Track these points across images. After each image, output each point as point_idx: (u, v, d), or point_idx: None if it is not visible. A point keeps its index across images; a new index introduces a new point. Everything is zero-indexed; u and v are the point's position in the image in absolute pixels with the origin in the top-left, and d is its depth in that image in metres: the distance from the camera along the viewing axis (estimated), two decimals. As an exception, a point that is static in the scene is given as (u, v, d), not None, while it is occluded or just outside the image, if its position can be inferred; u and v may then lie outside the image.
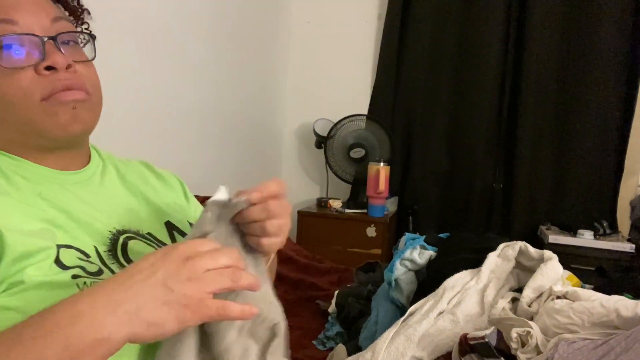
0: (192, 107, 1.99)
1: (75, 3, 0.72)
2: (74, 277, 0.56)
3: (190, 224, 0.78)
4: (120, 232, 0.67)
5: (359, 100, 2.78)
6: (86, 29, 0.72)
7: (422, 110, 2.71)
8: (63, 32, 0.64)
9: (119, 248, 0.64)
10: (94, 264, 0.60)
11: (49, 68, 0.61)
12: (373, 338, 1.03)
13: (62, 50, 0.62)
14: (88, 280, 0.57)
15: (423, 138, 2.71)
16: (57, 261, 0.56)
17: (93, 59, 0.69)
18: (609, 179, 2.49)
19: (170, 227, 0.76)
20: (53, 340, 0.45)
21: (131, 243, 0.66)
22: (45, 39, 0.61)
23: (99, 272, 0.60)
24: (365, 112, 2.72)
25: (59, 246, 0.58)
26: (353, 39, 2.84)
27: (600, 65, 2.44)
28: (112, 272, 0.61)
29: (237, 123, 2.41)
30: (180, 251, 0.51)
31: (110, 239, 0.65)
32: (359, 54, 2.84)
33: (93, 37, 0.70)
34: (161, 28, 1.73)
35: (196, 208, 0.86)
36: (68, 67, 0.62)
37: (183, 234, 0.76)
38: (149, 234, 0.71)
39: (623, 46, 2.41)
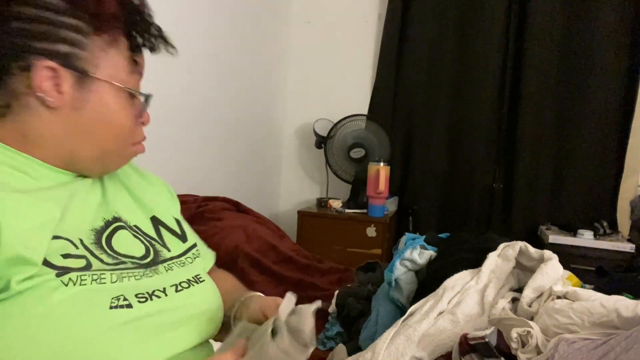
0: (192, 107, 1.99)
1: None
2: (59, 274, 0.56)
3: (177, 220, 0.81)
4: (112, 221, 0.69)
5: (359, 100, 2.78)
6: None
7: (422, 110, 2.71)
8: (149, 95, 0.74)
9: (104, 238, 0.66)
10: (82, 256, 0.61)
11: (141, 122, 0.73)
12: (373, 338, 1.03)
13: None
14: (74, 276, 0.57)
15: (423, 138, 2.71)
16: (45, 262, 0.56)
17: None
18: (609, 179, 2.49)
19: (155, 221, 0.77)
20: None
21: (119, 233, 0.68)
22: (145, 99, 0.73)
23: (88, 266, 0.60)
24: (365, 112, 2.72)
25: (53, 237, 0.59)
26: (353, 39, 2.85)
27: (600, 65, 2.44)
28: (102, 261, 0.62)
29: (237, 123, 2.41)
30: None
31: (98, 230, 0.66)
32: (359, 54, 2.84)
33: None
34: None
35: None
36: None
37: (169, 228, 0.78)
38: (135, 226, 0.73)
39: (623, 46, 2.42)
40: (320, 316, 1.46)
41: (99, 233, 0.66)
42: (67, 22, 0.61)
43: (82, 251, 0.62)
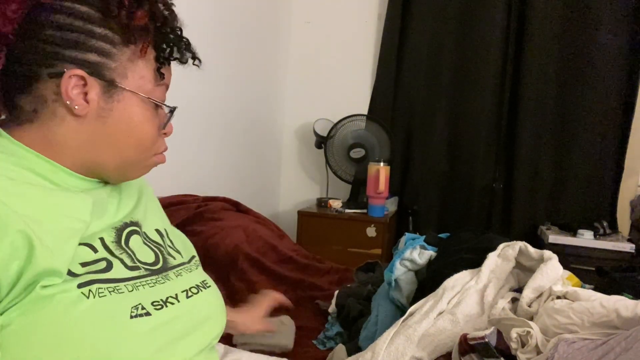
0: (192, 107, 1.99)
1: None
2: (80, 285, 0.56)
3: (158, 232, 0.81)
4: (128, 224, 0.70)
5: (359, 100, 2.78)
6: None
7: (422, 110, 2.71)
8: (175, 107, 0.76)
9: (123, 238, 0.67)
10: (101, 260, 0.61)
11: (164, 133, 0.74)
12: (373, 338, 1.03)
13: None
14: (94, 288, 0.57)
15: (423, 138, 2.71)
16: (69, 272, 0.57)
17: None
18: (609, 179, 2.49)
19: (159, 232, 0.78)
20: None
21: (134, 238, 0.69)
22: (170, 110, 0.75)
23: (109, 267, 0.61)
24: (365, 112, 2.72)
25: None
26: (353, 39, 2.85)
27: (601, 65, 2.44)
28: (123, 262, 0.63)
29: (237, 123, 2.41)
30: None
31: (117, 229, 0.67)
32: (359, 54, 2.84)
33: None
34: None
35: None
36: None
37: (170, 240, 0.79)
38: (144, 232, 0.73)
39: (623, 46, 2.42)
40: (321, 316, 1.46)
41: (119, 231, 0.67)
42: (98, 31, 0.62)
43: (102, 253, 0.62)
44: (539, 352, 0.82)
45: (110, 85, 0.64)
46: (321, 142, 2.64)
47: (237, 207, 1.97)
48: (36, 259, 0.53)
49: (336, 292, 1.44)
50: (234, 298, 1.40)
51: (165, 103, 0.72)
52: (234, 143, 2.40)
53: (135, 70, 0.66)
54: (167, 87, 0.74)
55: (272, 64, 2.79)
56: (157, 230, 0.77)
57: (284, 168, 3.01)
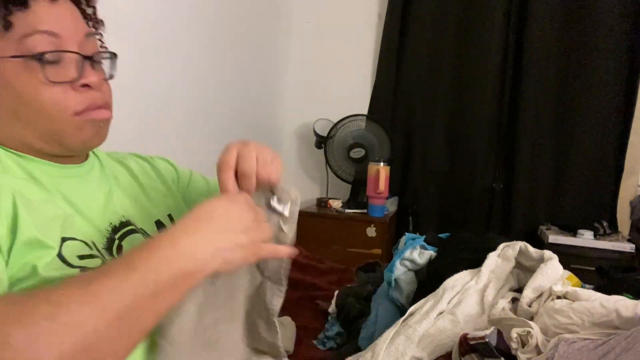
0: (192, 107, 1.99)
1: (93, 14, 0.74)
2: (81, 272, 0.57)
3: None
4: (121, 226, 0.69)
5: (359, 100, 2.78)
6: (101, 41, 0.74)
7: (422, 110, 2.71)
8: (98, 52, 0.68)
9: (115, 243, 0.66)
10: (97, 257, 0.62)
11: (84, 85, 0.64)
12: (372, 338, 1.03)
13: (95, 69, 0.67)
14: None
15: (423, 138, 2.71)
16: (60, 255, 0.57)
17: (112, 77, 0.72)
18: (609, 179, 2.49)
19: (159, 225, 0.77)
20: (160, 270, 0.51)
21: (130, 237, 0.69)
22: (85, 58, 0.65)
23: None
24: (365, 112, 2.72)
25: (64, 239, 0.59)
26: (353, 39, 2.84)
27: (600, 64, 2.44)
28: None
29: (237, 123, 2.41)
30: (246, 206, 0.61)
31: (109, 233, 0.67)
32: (359, 54, 2.84)
33: (115, 56, 0.72)
34: (160, 27, 1.73)
35: (188, 176, 0.93)
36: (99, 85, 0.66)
37: None
38: (141, 229, 0.73)
39: (623, 46, 2.42)
40: (321, 316, 1.46)
41: (109, 240, 0.66)
42: None
43: (96, 252, 0.63)
44: (539, 352, 0.82)
45: None
46: (321, 142, 2.64)
47: (237, 207, 1.96)
48: (20, 230, 0.55)
49: (336, 292, 1.44)
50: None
51: (35, 53, 0.60)
52: (234, 143, 2.40)
53: None
54: (53, 32, 0.62)
55: (272, 64, 2.79)
56: (159, 222, 0.76)
57: (284, 168, 3.00)
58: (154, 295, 0.50)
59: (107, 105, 0.68)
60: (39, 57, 0.60)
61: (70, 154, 0.68)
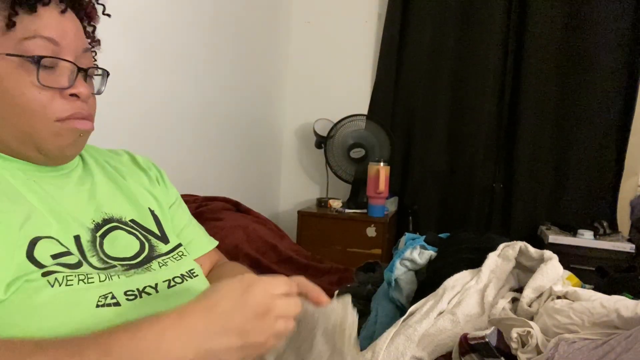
0: (192, 106, 1.99)
1: (92, 33, 0.76)
2: (45, 274, 0.57)
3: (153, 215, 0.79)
4: (103, 223, 0.69)
5: (359, 100, 2.78)
6: (95, 59, 0.76)
7: (422, 110, 2.71)
8: (93, 67, 0.70)
9: (97, 241, 0.66)
10: (74, 255, 0.61)
11: (72, 94, 0.65)
12: (372, 338, 1.03)
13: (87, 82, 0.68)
14: (60, 276, 0.57)
15: (423, 138, 2.71)
16: (30, 257, 0.57)
17: (100, 93, 0.73)
18: (609, 179, 2.49)
19: (153, 213, 0.77)
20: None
21: (113, 234, 0.68)
22: (79, 70, 0.66)
23: (79, 264, 0.60)
24: (365, 112, 2.72)
25: (37, 238, 0.59)
26: (353, 39, 2.84)
27: (600, 65, 2.44)
28: (91, 265, 0.62)
29: (237, 123, 2.41)
30: (259, 300, 0.54)
31: (92, 230, 0.66)
32: (359, 53, 2.84)
33: (108, 74, 0.74)
34: (161, 27, 1.73)
35: (175, 196, 0.88)
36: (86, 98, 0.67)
37: (159, 223, 0.77)
38: (132, 220, 0.73)
39: (623, 46, 2.42)
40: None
41: (95, 230, 0.66)
42: None
43: (73, 250, 0.62)
44: (539, 352, 0.82)
45: None
46: (321, 142, 2.64)
47: (237, 207, 1.97)
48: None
49: (336, 292, 1.44)
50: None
51: (26, 54, 0.61)
52: (234, 143, 2.40)
53: None
54: (54, 40, 0.63)
55: (272, 64, 2.79)
56: (144, 214, 0.76)
57: (284, 168, 3.01)
58: None
59: (91, 117, 0.69)
60: (37, 60, 0.61)
61: (45, 160, 0.67)
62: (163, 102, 1.79)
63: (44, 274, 0.57)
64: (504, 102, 2.60)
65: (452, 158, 2.70)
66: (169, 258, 0.72)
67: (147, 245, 0.71)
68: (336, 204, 2.55)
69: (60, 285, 0.56)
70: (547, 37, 2.48)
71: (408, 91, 2.72)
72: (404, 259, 1.22)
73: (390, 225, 2.51)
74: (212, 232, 1.67)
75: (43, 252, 0.58)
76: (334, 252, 2.30)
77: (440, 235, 1.33)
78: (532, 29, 2.49)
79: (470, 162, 2.64)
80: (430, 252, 1.23)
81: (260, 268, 1.64)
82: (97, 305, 0.57)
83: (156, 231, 0.75)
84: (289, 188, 3.00)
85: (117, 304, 0.59)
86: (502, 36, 2.56)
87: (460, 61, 2.64)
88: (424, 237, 1.31)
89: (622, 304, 0.83)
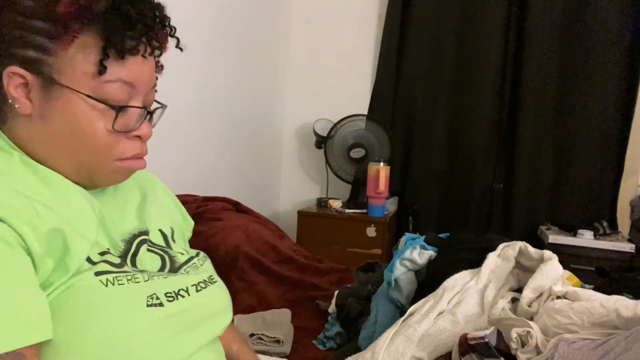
0: (192, 106, 1.99)
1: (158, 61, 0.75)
2: (97, 274, 0.58)
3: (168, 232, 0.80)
4: (137, 235, 0.70)
5: (359, 100, 2.78)
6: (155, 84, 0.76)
7: (422, 110, 2.71)
8: (158, 107, 0.71)
9: (129, 255, 0.67)
10: (114, 255, 0.63)
11: (137, 135, 0.66)
12: (372, 338, 1.03)
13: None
14: (111, 276, 0.59)
15: (423, 138, 2.71)
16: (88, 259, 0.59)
17: (153, 126, 0.72)
18: (609, 179, 2.49)
19: (162, 233, 0.78)
20: None
21: (143, 248, 0.69)
22: (146, 112, 0.67)
23: (122, 264, 0.62)
24: (365, 112, 2.72)
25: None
26: (353, 39, 2.85)
27: (600, 65, 2.44)
28: (131, 265, 0.64)
29: (237, 123, 2.41)
30: None
31: (125, 243, 0.68)
32: (359, 54, 2.84)
33: (165, 108, 0.75)
34: (161, 28, 1.73)
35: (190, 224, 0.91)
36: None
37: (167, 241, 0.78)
38: (149, 240, 0.73)
39: (623, 46, 2.42)
40: (321, 316, 1.46)
41: (127, 244, 0.68)
42: (35, 25, 0.59)
43: (113, 251, 0.64)
44: (539, 352, 0.82)
45: (48, 83, 0.60)
46: (321, 142, 2.64)
47: (237, 207, 1.97)
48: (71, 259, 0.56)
49: (336, 292, 1.44)
50: (234, 298, 1.40)
51: (111, 102, 0.62)
52: (234, 143, 2.40)
53: (74, 65, 0.60)
54: (128, 84, 0.63)
55: (272, 64, 2.79)
56: (161, 232, 0.77)
57: (284, 168, 3.01)
58: None
59: (145, 157, 0.70)
60: (118, 110, 0.62)
61: (92, 187, 0.69)
62: (163, 102, 1.79)
63: (97, 274, 0.58)
64: (504, 102, 2.60)
65: (452, 158, 2.70)
66: (189, 267, 0.74)
67: (167, 258, 0.72)
68: (336, 204, 2.55)
69: (113, 285, 0.58)
70: (547, 37, 2.48)
71: (408, 91, 2.72)
72: (404, 259, 1.22)
73: (390, 225, 2.51)
74: (212, 232, 1.68)
75: (92, 249, 0.60)
76: (334, 252, 2.30)
77: (440, 235, 1.33)
78: (531, 29, 2.49)
79: (470, 162, 2.64)
80: (430, 252, 1.23)
81: (260, 268, 1.64)
82: (147, 305, 0.59)
83: (167, 248, 0.76)
84: (289, 188, 3.00)
85: (161, 304, 0.60)
86: (501, 36, 2.56)
87: (460, 61, 2.64)
88: (423, 237, 1.31)
89: (621, 304, 0.84)
